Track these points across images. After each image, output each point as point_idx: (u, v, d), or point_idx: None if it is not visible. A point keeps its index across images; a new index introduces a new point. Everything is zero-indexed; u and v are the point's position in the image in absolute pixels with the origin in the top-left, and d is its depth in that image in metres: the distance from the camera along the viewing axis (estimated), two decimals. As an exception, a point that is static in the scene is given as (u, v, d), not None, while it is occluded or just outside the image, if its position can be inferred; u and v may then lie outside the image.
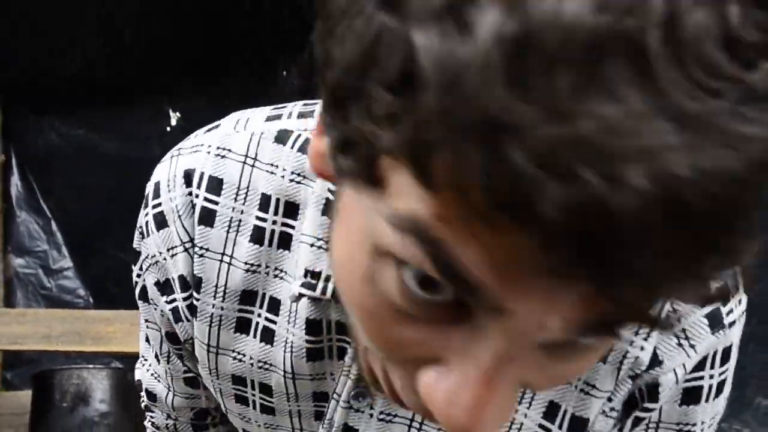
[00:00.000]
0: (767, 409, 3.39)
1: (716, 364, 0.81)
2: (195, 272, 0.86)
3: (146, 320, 1.01)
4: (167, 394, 1.05)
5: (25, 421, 2.68)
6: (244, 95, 4.09)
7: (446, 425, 0.45)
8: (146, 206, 0.94)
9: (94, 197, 4.40)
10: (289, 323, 0.84)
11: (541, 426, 0.82)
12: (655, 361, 0.81)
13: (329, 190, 0.78)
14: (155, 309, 0.95)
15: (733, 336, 0.81)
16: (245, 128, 0.85)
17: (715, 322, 0.78)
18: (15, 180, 4.55)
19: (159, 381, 1.05)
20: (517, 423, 0.84)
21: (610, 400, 0.81)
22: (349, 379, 0.84)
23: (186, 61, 3.98)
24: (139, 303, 1.01)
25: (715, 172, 0.34)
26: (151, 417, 1.11)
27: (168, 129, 4.26)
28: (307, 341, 0.83)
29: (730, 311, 0.79)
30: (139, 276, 1.01)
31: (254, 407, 0.92)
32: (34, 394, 2.61)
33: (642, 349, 0.77)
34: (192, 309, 0.89)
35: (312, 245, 0.79)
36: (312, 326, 0.83)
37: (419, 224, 0.39)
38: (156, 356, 1.02)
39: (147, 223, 0.95)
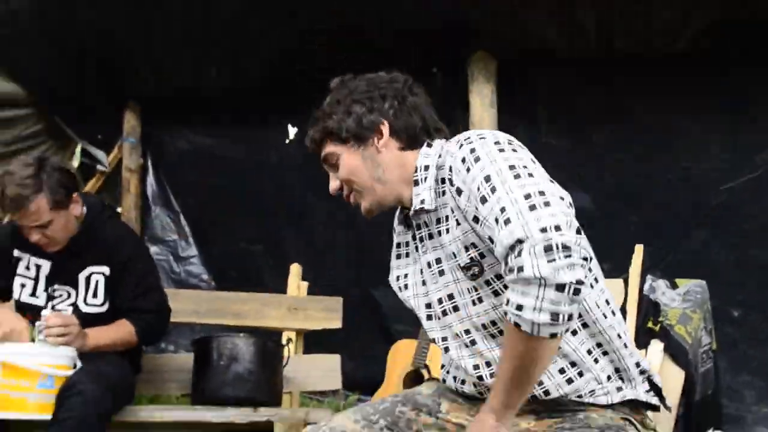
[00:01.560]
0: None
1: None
2: None
3: None
4: None
5: (184, 377, 3.17)
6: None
7: (331, 192, 1.78)
8: None
9: (217, 196, 5.03)
10: None
11: None
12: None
13: None
14: None
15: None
16: None
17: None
18: (150, 180, 5.24)
19: None
20: None
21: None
22: None
23: (303, 83, 4.24)
24: None
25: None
26: None
27: (286, 141, 4.84)
28: None
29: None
30: None
31: None
32: (196, 355, 3.07)
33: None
34: None
35: None
36: None
37: None
38: None
39: None
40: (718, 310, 3.58)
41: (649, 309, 3.11)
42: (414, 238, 1.77)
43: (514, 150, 1.56)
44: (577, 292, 1.37)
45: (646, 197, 4.00)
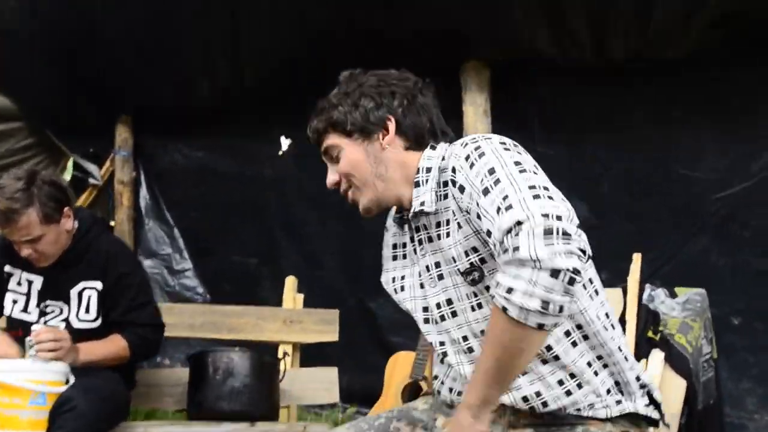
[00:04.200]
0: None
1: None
2: None
3: None
4: None
5: (180, 391, 3.16)
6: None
7: (327, 186, 1.74)
8: None
9: (211, 209, 5.02)
10: None
11: None
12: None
13: None
14: None
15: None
16: None
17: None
18: (143, 193, 5.22)
19: None
20: None
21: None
22: None
23: (298, 95, 4.23)
24: None
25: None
26: None
27: (279, 153, 4.81)
28: None
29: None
30: None
31: None
32: (191, 370, 3.07)
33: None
34: None
35: None
36: None
37: None
38: None
39: None
40: (718, 318, 3.57)
41: (648, 318, 3.10)
42: (412, 240, 1.74)
43: (519, 153, 1.55)
44: (571, 281, 1.33)
45: (642, 206, 3.98)
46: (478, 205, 1.49)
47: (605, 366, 1.60)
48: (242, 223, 4.90)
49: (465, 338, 1.65)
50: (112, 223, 5.07)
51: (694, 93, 3.80)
